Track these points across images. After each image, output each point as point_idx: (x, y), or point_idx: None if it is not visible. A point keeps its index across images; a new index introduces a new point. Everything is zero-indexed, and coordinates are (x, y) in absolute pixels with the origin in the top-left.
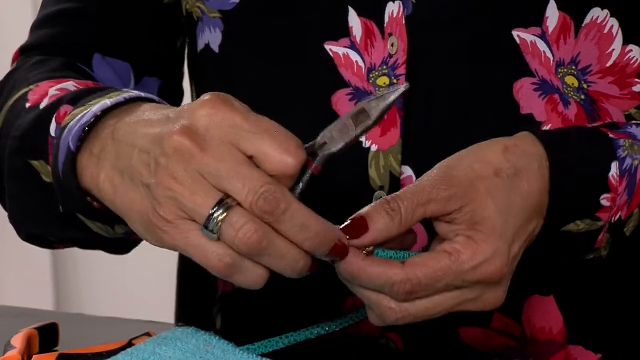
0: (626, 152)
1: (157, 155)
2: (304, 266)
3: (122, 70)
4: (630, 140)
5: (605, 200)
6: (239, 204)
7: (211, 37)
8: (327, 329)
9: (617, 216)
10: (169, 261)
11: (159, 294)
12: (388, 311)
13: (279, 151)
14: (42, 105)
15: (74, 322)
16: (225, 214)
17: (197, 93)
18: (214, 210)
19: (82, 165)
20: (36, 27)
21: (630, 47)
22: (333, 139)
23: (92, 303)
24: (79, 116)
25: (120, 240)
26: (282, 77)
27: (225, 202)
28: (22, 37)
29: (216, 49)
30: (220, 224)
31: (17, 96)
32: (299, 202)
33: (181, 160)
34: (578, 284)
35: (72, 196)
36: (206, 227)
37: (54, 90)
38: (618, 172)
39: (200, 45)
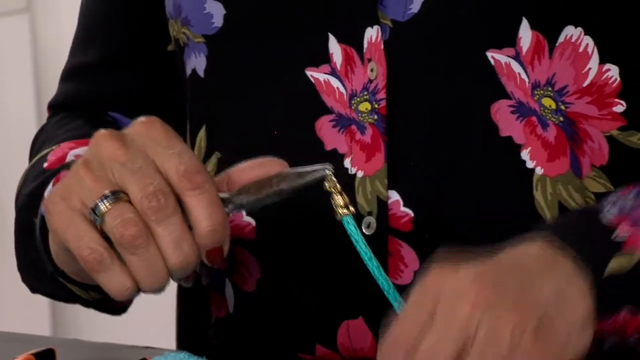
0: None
1: (85, 153)
2: (161, 283)
3: None
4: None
5: (621, 232)
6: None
7: (197, 62)
8: None
9: None
10: (168, 286)
11: (157, 319)
12: None
13: (181, 170)
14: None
15: (71, 347)
16: (114, 203)
17: (189, 119)
18: (106, 195)
19: None
20: (63, 78)
21: (608, 66)
22: (249, 192)
23: (89, 328)
24: None
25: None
26: (265, 102)
27: (119, 194)
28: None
29: (201, 74)
30: (106, 209)
31: (39, 156)
32: (183, 218)
33: (97, 153)
34: None
35: (41, 255)
36: (94, 210)
37: (71, 155)
38: (615, 213)
39: (188, 71)
